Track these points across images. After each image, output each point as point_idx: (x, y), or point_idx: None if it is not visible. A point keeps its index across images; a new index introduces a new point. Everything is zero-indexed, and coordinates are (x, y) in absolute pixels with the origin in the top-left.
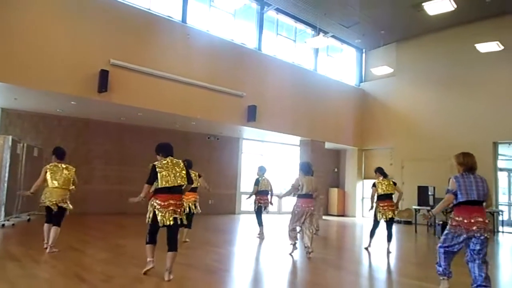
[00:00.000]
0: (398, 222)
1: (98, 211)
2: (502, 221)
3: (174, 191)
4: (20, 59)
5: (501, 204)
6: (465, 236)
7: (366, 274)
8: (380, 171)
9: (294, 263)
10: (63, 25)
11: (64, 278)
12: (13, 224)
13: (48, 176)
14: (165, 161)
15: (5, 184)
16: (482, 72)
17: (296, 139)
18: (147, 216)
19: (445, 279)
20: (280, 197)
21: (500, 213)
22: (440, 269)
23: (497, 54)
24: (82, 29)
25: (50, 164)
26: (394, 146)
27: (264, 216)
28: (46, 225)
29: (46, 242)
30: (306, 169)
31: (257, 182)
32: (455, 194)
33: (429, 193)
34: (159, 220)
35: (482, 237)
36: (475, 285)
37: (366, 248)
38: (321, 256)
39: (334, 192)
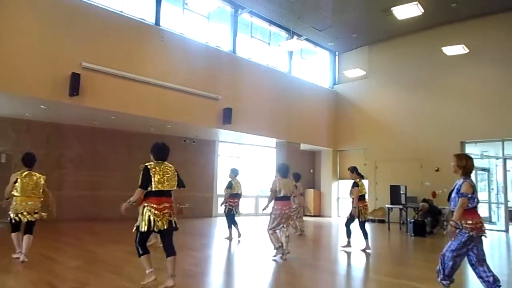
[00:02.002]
0: (372, 221)
1: (70, 217)
2: None
3: (167, 193)
4: None
5: None
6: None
7: (343, 273)
8: (357, 171)
9: (271, 264)
10: (33, 26)
11: (36, 287)
12: None
13: (18, 184)
14: (159, 166)
15: None
16: (450, 74)
17: (272, 141)
18: (140, 223)
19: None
20: (264, 208)
21: None
22: (441, 275)
23: (463, 57)
24: (52, 31)
25: (20, 171)
26: (368, 147)
27: (237, 218)
28: (14, 234)
29: (19, 252)
30: (284, 171)
31: (230, 185)
32: (469, 198)
33: (401, 192)
34: (156, 226)
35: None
36: (495, 285)
37: (345, 247)
38: (297, 256)
39: (310, 192)
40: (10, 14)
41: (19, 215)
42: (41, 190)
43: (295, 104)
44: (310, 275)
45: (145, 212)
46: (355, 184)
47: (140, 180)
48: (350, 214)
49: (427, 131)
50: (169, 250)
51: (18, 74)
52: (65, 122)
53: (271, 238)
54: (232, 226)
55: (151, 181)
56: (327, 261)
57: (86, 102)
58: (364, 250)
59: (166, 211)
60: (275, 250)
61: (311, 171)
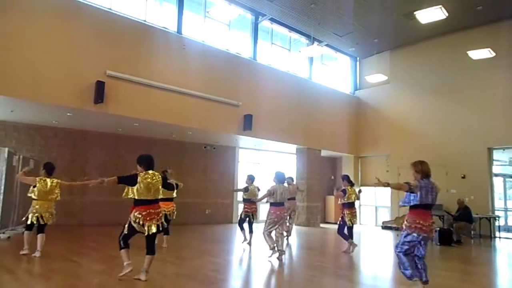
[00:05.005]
0: (396, 228)
1: (93, 222)
2: (499, 226)
3: (153, 201)
4: (16, 71)
5: (497, 210)
6: (420, 238)
7: (363, 282)
8: (347, 179)
9: (290, 271)
10: (59, 36)
11: None
12: (8, 237)
13: (37, 189)
14: (147, 176)
15: (1, 196)
16: (476, 78)
17: (292, 147)
18: (126, 226)
19: (416, 280)
20: (256, 200)
21: (497, 218)
22: (407, 272)
23: (490, 61)
24: (78, 40)
25: (40, 177)
26: (390, 153)
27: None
28: (27, 232)
29: (26, 248)
30: (280, 178)
31: (246, 190)
32: (411, 192)
33: None
34: (144, 230)
35: (428, 239)
36: (425, 279)
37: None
38: (318, 264)
39: (331, 200)
40: (38, 24)
41: (35, 217)
42: (56, 194)
43: (316, 110)
44: (331, 282)
45: (134, 217)
46: (343, 191)
47: (126, 175)
48: (341, 220)
49: (452, 137)
50: (150, 250)
51: (45, 83)
52: (90, 129)
53: (267, 240)
54: (244, 229)
55: (132, 185)
56: (348, 269)
57: (110, 109)
58: (344, 252)
59: (153, 217)
60: (271, 251)
61: (332, 177)
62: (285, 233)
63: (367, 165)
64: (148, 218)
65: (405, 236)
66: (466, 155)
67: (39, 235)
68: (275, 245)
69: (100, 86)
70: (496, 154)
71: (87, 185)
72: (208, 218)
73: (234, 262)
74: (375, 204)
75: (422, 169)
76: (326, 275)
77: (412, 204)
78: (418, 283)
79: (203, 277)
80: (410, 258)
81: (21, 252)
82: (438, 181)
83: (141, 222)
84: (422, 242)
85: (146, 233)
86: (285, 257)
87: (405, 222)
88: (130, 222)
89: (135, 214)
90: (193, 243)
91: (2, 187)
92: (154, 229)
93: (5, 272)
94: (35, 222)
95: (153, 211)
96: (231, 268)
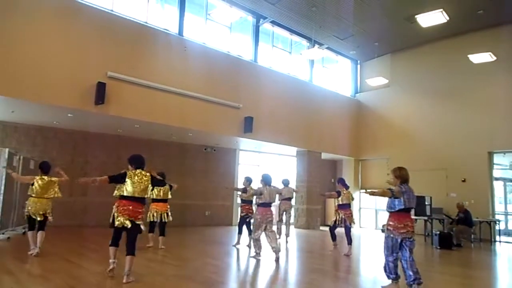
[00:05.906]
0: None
1: (93, 223)
2: (499, 230)
3: (137, 199)
4: (17, 72)
5: (497, 214)
6: (400, 239)
7: (363, 285)
8: (342, 182)
9: (291, 275)
10: (61, 37)
11: None
12: (8, 238)
13: (35, 187)
14: (136, 173)
15: (1, 197)
16: (477, 82)
17: (293, 150)
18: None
19: (395, 282)
20: (248, 194)
21: (497, 222)
22: (386, 273)
23: (491, 64)
24: (79, 41)
25: (38, 176)
26: (391, 156)
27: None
28: (30, 232)
29: (33, 248)
30: (267, 180)
31: (244, 191)
32: (395, 198)
33: (426, 203)
34: (117, 223)
35: (411, 239)
36: (411, 279)
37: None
38: (318, 267)
39: (331, 202)
40: (39, 25)
41: (32, 214)
42: (54, 191)
43: (316, 112)
44: (332, 287)
45: (114, 210)
46: (338, 193)
47: (115, 174)
48: (334, 220)
49: (452, 140)
50: (128, 249)
51: (47, 84)
52: (91, 130)
53: (254, 244)
54: (241, 233)
55: (122, 183)
56: (349, 272)
57: (111, 110)
58: (346, 255)
59: (126, 213)
60: (255, 253)
61: (332, 180)
62: (284, 234)
63: (367, 168)
64: (123, 213)
65: (385, 239)
66: (466, 159)
67: (39, 232)
68: (260, 251)
69: (101, 87)
70: (497, 158)
71: (85, 184)
72: (208, 220)
73: (233, 265)
74: (375, 207)
75: (400, 175)
76: (327, 278)
77: (397, 209)
78: (394, 284)
79: (203, 278)
80: (393, 261)
81: (29, 253)
82: (438, 185)
83: (115, 215)
84: (405, 245)
85: (120, 227)
86: (285, 260)
87: (386, 226)
88: (113, 215)
89: (116, 207)
90: (193, 245)
91: (2, 188)
92: (128, 225)
93: (5, 273)
94: (32, 218)
95: (131, 208)
96: (231, 271)
